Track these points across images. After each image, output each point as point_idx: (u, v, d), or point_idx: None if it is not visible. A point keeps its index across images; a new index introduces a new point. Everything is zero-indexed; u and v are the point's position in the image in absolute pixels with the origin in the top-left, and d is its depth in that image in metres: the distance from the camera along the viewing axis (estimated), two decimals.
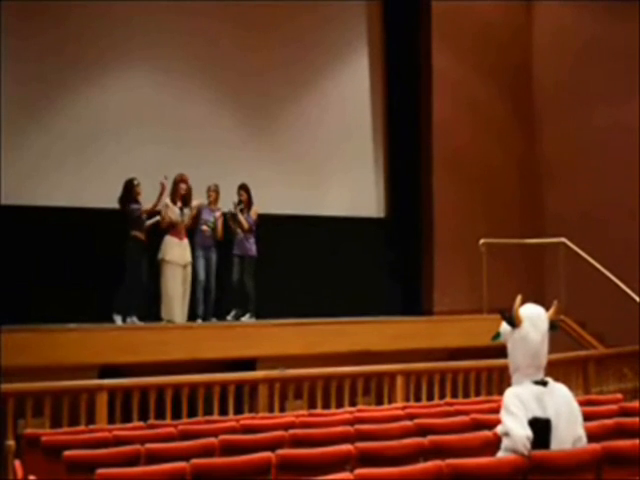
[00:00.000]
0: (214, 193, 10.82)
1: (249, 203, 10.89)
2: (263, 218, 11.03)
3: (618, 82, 12.18)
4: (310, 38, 12.46)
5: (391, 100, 13.07)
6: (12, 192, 10.40)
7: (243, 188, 10.92)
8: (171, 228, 10.35)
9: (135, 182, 10.22)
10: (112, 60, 11.29)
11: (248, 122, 12.13)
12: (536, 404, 3.98)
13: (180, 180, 10.44)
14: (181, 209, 10.39)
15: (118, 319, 9.99)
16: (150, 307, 10.24)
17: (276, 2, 11.97)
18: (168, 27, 11.56)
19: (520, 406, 3.96)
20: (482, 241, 11.61)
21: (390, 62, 13.07)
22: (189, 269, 10.42)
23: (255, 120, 12.15)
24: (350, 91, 12.93)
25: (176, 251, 10.31)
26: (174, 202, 10.37)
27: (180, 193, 10.41)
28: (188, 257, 10.41)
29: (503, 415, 4.02)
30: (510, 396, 4.02)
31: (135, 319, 10.05)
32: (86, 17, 11.10)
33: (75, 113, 11.12)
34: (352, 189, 12.70)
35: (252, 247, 10.87)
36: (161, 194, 10.25)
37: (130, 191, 10.17)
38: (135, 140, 11.26)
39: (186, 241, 10.42)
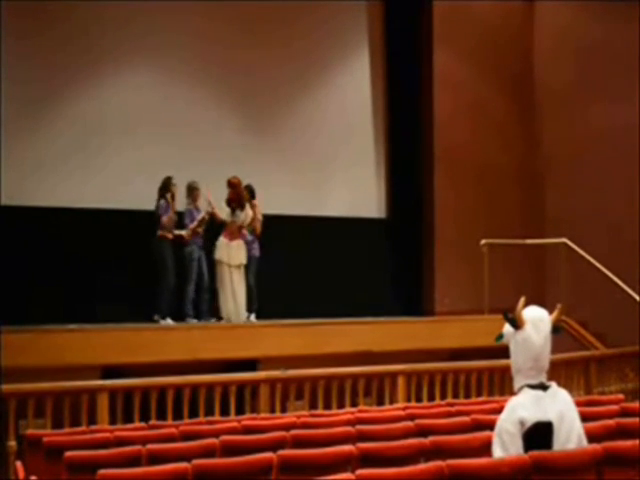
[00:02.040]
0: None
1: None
2: (264, 219, 11.06)
3: (619, 82, 12.18)
4: (310, 38, 12.45)
5: (392, 100, 13.06)
6: (12, 193, 10.40)
7: (246, 188, 10.98)
8: (223, 229, 10.60)
9: (173, 181, 10.52)
10: (114, 60, 11.27)
11: (249, 122, 12.12)
12: (536, 408, 3.98)
13: (231, 184, 10.70)
14: (233, 210, 10.59)
15: (167, 321, 10.16)
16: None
17: (277, 2, 11.97)
18: (170, 28, 11.55)
19: (514, 432, 3.96)
20: (483, 241, 11.61)
21: (391, 62, 13.07)
22: (242, 269, 10.59)
23: (256, 120, 12.15)
24: (351, 91, 12.92)
25: (225, 251, 10.50)
26: (229, 204, 10.61)
27: (229, 196, 10.66)
28: (241, 258, 10.58)
29: (495, 441, 4.02)
30: (507, 420, 4.00)
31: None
32: (87, 17, 11.08)
33: (76, 114, 11.10)
34: (353, 189, 12.70)
35: (257, 248, 10.98)
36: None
37: (165, 188, 10.46)
38: (136, 140, 11.25)
39: (237, 242, 10.60)
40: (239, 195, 10.73)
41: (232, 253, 10.56)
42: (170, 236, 10.39)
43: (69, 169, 10.92)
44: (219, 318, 10.52)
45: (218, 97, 11.97)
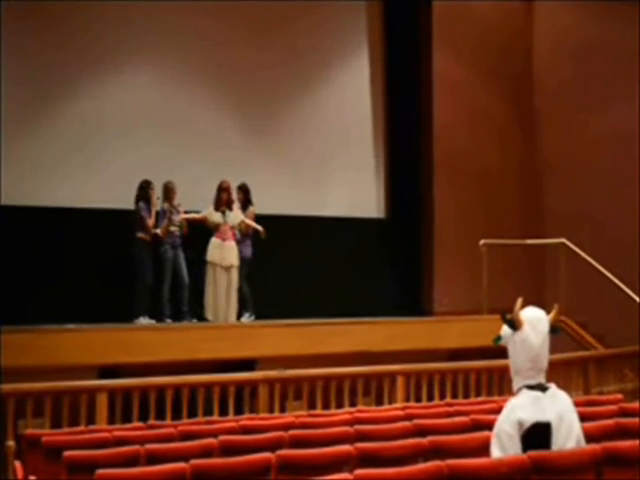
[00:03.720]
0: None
1: (246, 203, 10.99)
2: (264, 219, 11.05)
3: (618, 83, 12.18)
4: (310, 38, 12.45)
5: (391, 101, 13.06)
6: (12, 192, 10.39)
7: (240, 188, 10.99)
8: (215, 230, 10.64)
9: (152, 185, 10.57)
10: (113, 60, 11.27)
11: (248, 122, 12.12)
12: (535, 409, 3.98)
13: (222, 188, 10.76)
14: (223, 212, 10.64)
15: (141, 320, 10.23)
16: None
17: (277, 3, 11.96)
18: (170, 27, 11.55)
19: (512, 433, 3.96)
20: (482, 242, 11.60)
21: (390, 63, 13.07)
22: (234, 271, 10.60)
23: (256, 121, 12.15)
24: (351, 92, 12.92)
25: (218, 252, 10.54)
26: (216, 208, 10.65)
27: (223, 200, 10.70)
28: (232, 259, 10.60)
29: (493, 442, 4.03)
30: (505, 421, 4.00)
31: (147, 319, 10.30)
32: (87, 17, 11.08)
33: (76, 113, 11.10)
34: (353, 190, 12.69)
35: (248, 249, 10.94)
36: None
37: (142, 191, 10.55)
38: (136, 140, 11.25)
39: (229, 243, 10.62)
40: (229, 198, 10.77)
41: (225, 254, 10.58)
42: (148, 238, 10.45)
43: (69, 169, 10.92)
44: (201, 318, 10.50)
45: (217, 97, 11.96)
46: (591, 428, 4.95)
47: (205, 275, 10.57)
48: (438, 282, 12.56)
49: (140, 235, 10.45)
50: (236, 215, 10.80)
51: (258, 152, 12.05)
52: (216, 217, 10.65)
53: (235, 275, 10.63)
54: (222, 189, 10.77)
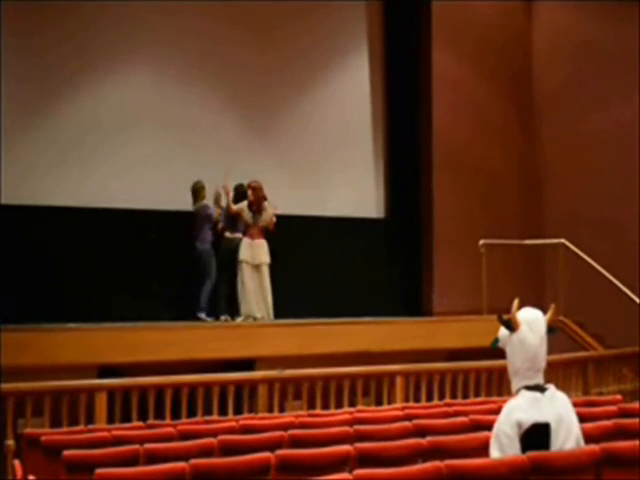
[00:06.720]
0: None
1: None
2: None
3: (618, 83, 12.19)
4: (310, 38, 12.45)
5: (391, 100, 13.07)
6: (10, 191, 10.39)
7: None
8: (246, 230, 10.83)
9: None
10: (113, 59, 11.27)
11: (248, 123, 12.12)
12: (534, 410, 3.98)
13: (254, 188, 10.90)
14: (254, 212, 10.78)
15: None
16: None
17: (276, 3, 11.97)
18: (169, 27, 11.55)
19: (511, 435, 3.97)
20: (482, 242, 11.61)
21: (390, 63, 13.07)
22: (264, 268, 10.74)
23: (256, 120, 12.15)
24: (350, 91, 12.92)
25: (248, 251, 10.67)
26: (249, 208, 10.79)
27: (249, 199, 10.85)
28: (262, 257, 10.74)
29: (492, 443, 4.03)
30: (504, 422, 4.00)
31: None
32: (86, 15, 11.08)
33: (74, 112, 11.09)
34: (352, 189, 12.69)
35: None
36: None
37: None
38: (137, 140, 11.24)
39: (259, 241, 10.76)
40: (259, 198, 10.81)
41: (255, 252, 10.67)
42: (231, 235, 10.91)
43: (67, 168, 10.91)
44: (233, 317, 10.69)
45: (216, 97, 11.95)
46: (590, 429, 4.96)
47: (238, 274, 10.67)
48: (437, 282, 12.56)
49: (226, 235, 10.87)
50: (267, 215, 10.86)
51: (258, 152, 12.04)
52: (247, 215, 10.75)
53: (266, 272, 10.72)
54: (254, 189, 10.83)
